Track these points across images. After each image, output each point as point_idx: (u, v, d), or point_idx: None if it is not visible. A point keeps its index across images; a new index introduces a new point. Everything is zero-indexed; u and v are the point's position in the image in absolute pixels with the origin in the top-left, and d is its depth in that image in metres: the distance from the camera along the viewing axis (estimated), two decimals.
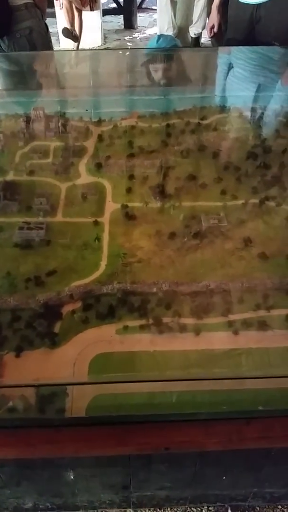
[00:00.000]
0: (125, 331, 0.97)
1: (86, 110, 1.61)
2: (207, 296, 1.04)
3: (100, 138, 1.50)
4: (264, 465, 1.14)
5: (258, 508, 1.29)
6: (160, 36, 2.08)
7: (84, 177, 1.37)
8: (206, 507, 1.28)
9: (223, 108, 1.65)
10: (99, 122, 1.58)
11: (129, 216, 1.25)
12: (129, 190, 1.32)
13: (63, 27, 4.04)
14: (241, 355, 0.94)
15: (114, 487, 1.10)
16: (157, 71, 1.84)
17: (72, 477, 1.01)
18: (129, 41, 4.93)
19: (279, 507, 1.29)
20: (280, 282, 1.07)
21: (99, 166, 1.40)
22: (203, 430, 0.86)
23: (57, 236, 1.18)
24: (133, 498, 1.16)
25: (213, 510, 1.27)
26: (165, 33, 4.48)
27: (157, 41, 2.01)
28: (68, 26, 4.04)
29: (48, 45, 2.04)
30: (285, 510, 1.29)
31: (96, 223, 1.23)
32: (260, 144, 1.45)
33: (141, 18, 5.58)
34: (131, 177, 1.37)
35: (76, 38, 4.09)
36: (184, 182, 1.35)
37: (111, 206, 1.28)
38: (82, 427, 0.84)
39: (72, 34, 3.99)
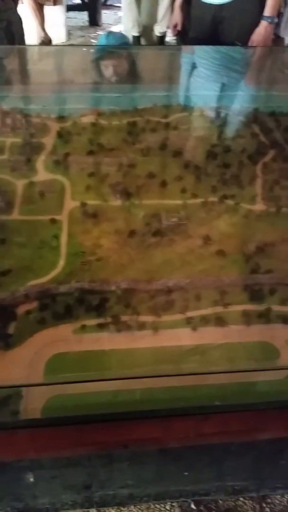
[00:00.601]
0: (82, 331, 0.96)
1: (44, 106, 1.58)
2: (166, 294, 1.04)
3: (59, 134, 1.48)
4: (225, 459, 1.15)
5: (220, 501, 1.31)
6: (109, 33, 2.07)
7: (41, 174, 1.34)
8: (169, 503, 1.28)
9: (184, 107, 1.66)
10: (58, 119, 1.56)
11: (88, 214, 1.23)
12: (88, 188, 1.31)
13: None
14: (199, 351, 0.94)
15: (75, 488, 1.09)
16: (117, 69, 1.83)
17: (31, 479, 0.99)
18: (93, 38, 4.88)
19: (241, 499, 1.31)
20: (237, 279, 1.08)
21: (57, 163, 1.38)
22: (161, 427, 0.86)
23: (13, 234, 1.15)
24: (95, 498, 1.15)
25: (176, 506, 1.28)
26: (130, 31, 4.47)
27: (107, 38, 2.00)
28: (41, 31, 3.88)
29: (23, 38, 2.00)
30: (247, 501, 1.31)
31: (54, 221, 1.21)
32: (220, 143, 1.47)
33: (106, 15, 5.54)
34: (91, 174, 1.35)
35: (50, 42, 4.00)
36: (144, 180, 1.34)
37: (70, 204, 1.26)
38: (38, 428, 0.82)
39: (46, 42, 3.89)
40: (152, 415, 0.86)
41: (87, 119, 1.56)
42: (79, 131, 1.51)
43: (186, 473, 1.18)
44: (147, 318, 0.99)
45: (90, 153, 1.42)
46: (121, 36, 2.18)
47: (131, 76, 1.86)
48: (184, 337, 0.97)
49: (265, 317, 1.01)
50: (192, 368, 0.92)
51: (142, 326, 0.98)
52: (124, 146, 1.45)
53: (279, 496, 1.32)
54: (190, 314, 1.01)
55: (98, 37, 4.84)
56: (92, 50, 2.22)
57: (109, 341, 0.95)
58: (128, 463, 1.01)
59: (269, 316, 1.01)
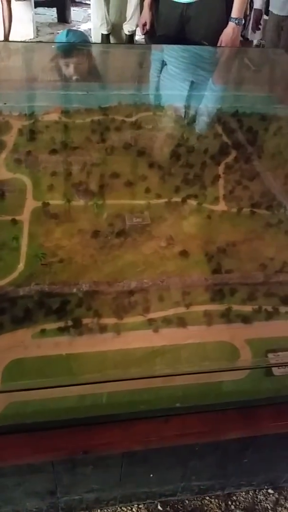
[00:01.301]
0: (42, 335, 0.94)
1: (5, 103, 1.53)
2: (128, 295, 1.03)
3: (20, 132, 1.44)
4: (190, 459, 1.16)
5: (187, 501, 1.31)
6: (69, 31, 2.04)
7: (2, 173, 1.31)
8: (136, 505, 1.27)
9: (150, 106, 1.66)
10: (20, 116, 1.52)
11: (50, 214, 1.21)
12: (51, 188, 1.28)
13: None
14: (160, 352, 0.94)
15: (40, 494, 1.07)
16: (78, 67, 1.80)
17: None
18: (88, 35, 4.81)
19: (207, 498, 1.32)
20: (199, 279, 1.08)
21: (18, 161, 1.34)
22: (121, 431, 0.85)
23: None
24: (61, 504, 1.13)
25: (143, 508, 1.27)
26: (99, 29, 4.43)
27: (67, 36, 1.97)
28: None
29: None
30: (213, 500, 1.32)
31: (15, 221, 1.18)
32: (184, 143, 1.47)
33: (75, 12, 5.47)
34: (54, 174, 1.33)
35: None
36: (108, 180, 1.33)
37: (31, 204, 1.23)
38: None
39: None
40: (113, 419, 0.85)
41: (51, 117, 1.53)
42: (42, 129, 1.48)
43: (152, 475, 1.17)
44: (109, 321, 0.98)
45: (53, 151, 1.39)
46: (81, 34, 2.15)
47: (94, 74, 1.83)
48: (146, 339, 0.96)
49: (225, 317, 1.01)
50: (153, 371, 0.91)
51: (103, 329, 0.96)
52: (88, 145, 1.43)
53: (243, 493, 1.34)
54: (152, 315, 1.00)
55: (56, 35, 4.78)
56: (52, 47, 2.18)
57: (70, 345, 0.93)
58: (92, 467, 1.00)
59: (230, 316, 1.01)
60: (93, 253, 1.13)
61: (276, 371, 0.92)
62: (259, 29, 2.53)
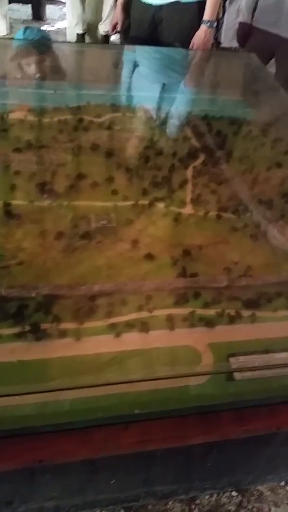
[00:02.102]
0: None
1: None
2: (90, 299, 1.01)
3: None
4: (152, 464, 1.15)
5: (150, 506, 1.30)
6: (26, 28, 2.00)
7: None
8: (98, 511, 1.25)
9: (119, 107, 1.64)
10: None
11: (11, 215, 1.17)
12: (13, 187, 1.25)
13: None
14: (121, 358, 0.92)
15: None
16: (40, 65, 1.77)
17: None
18: (48, 33, 4.74)
19: (170, 502, 1.31)
20: (163, 283, 1.07)
21: None
22: (78, 439, 0.83)
23: None
24: None
25: None
26: (74, 28, 4.39)
27: (24, 33, 1.93)
28: None
29: None
30: (176, 504, 1.32)
31: None
32: (153, 146, 1.46)
33: (50, 10, 5.40)
34: (17, 173, 1.29)
35: None
36: (74, 181, 1.31)
37: None
38: None
39: None
40: (70, 427, 0.83)
41: (16, 116, 1.49)
42: (6, 127, 1.44)
43: (113, 481, 1.15)
44: (69, 326, 0.95)
45: (17, 150, 1.35)
46: (38, 31, 2.11)
47: (62, 73, 1.80)
48: (106, 345, 0.94)
49: (189, 321, 1.00)
50: (113, 377, 0.89)
51: (63, 334, 0.94)
52: (54, 144, 1.40)
53: (207, 496, 1.34)
54: (114, 320, 0.98)
55: (58, 33, 4.72)
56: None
57: (27, 351, 0.90)
58: (51, 475, 0.97)
59: (193, 320, 1.01)
60: (56, 255, 1.11)
61: (237, 375, 0.92)
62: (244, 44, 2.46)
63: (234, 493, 1.40)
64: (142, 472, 1.16)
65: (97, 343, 0.94)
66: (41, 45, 1.86)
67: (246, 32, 2.35)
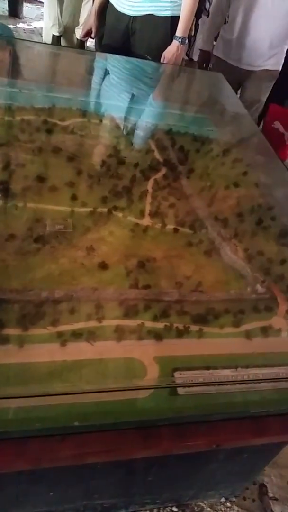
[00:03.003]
0: None
1: None
2: (37, 306, 0.98)
3: None
4: (92, 477, 1.12)
5: None
6: None
7: None
8: None
9: (85, 113, 1.63)
10: None
11: None
12: None
13: None
14: (64, 368, 0.90)
15: None
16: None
17: None
18: (12, 30, 4.66)
19: None
20: (114, 293, 1.06)
21: None
22: (13, 449, 0.80)
23: None
24: None
25: None
26: (50, 30, 4.36)
27: None
28: None
29: None
30: None
31: None
32: (116, 155, 1.46)
33: (28, 9, 5.34)
34: None
35: None
36: (32, 182, 1.28)
37: None
38: None
39: None
40: (6, 437, 0.79)
41: None
42: None
43: (52, 493, 1.12)
44: (12, 331, 0.92)
45: None
46: (1, 25, 2.07)
47: (27, 73, 1.77)
48: (50, 353, 0.91)
49: (137, 333, 1.00)
50: (54, 387, 0.87)
51: (5, 340, 0.90)
52: (13, 143, 1.37)
53: (147, 511, 1.33)
54: (60, 328, 0.96)
55: (33, 32, 4.64)
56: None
57: None
58: None
59: (141, 332, 1.00)
60: (6, 257, 1.07)
61: (180, 390, 0.92)
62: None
63: (174, 509, 1.40)
64: (82, 484, 1.14)
65: (41, 351, 0.91)
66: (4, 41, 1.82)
67: (206, 59, 2.44)
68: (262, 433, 0.93)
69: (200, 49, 2.48)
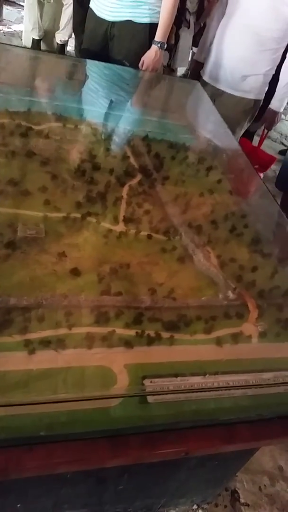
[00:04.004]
0: None
1: None
2: (5, 312, 0.96)
3: None
4: (61, 487, 1.11)
5: None
6: None
7: None
8: None
9: (60, 117, 1.61)
10: None
11: None
12: None
13: None
14: (31, 376, 0.88)
15: None
16: None
17: None
18: None
19: None
20: (86, 299, 1.05)
21: None
22: None
23: None
24: None
25: None
26: (30, 33, 4.33)
27: None
28: None
29: None
30: None
31: None
32: (91, 160, 1.45)
33: (8, 11, 5.31)
34: None
35: None
36: (4, 187, 1.25)
37: None
38: None
39: None
40: None
41: None
42: None
43: (19, 505, 1.10)
44: None
45: None
46: None
47: (3, 76, 1.75)
48: (17, 362, 0.90)
49: (108, 340, 0.99)
50: (22, 396, 0.85)
51: None
52: None
53: None
54: (29, 336, 0.94)
55: (13, 35, 4.59)
56: None
57: None
58: None
59: (112, 340, 0.99)
60: None
61: (150, 398, 0.92)
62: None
63: None
64: (51, 495, 1.12)
65: (7, 360, 0.89)
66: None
67: (197, 69, 2.43)
68: (232, 440, 0.93)
69: (194, 59, 2.47)
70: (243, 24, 2.10)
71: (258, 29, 2.06)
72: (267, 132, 2.48)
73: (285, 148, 4.23)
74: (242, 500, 1.49)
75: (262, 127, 2.45)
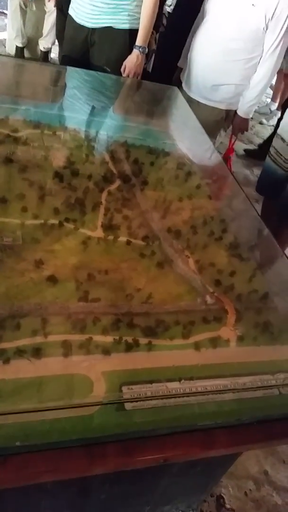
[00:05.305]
0: None
1: None
2: None
3: None
4: (42, 498, 1.09)
5: None
6: None
7: None
8: None
9: (39, 124, 1.61)
10: None
11: None
12: None
13: None
14: (6, 386, 0.87)
15: None
16: None
17: None
18: None
19: None
20: (62, 307, 1.04)
21: None
22: None
23: None
24: None
25: None
26: (13, 41, 4.33)
27: None
28: None
29: None
30: None
31: None
32: (69, 166, 1.45)
33: None
34: None
35: None
36: None
37: None
38: None
39: None
40: None
41: None
42: None
43: None
44: None
45: None
46: None
47: None
48: None
49: (85, 347, 0.98)
50: None
51: None
52: None
53: None
54: (3, 345, 0.93)
55: None
56: None
57: None
58: None
59: (89, 347, 0.98)
60: None
61: (128, 405, 0.91)
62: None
63: None
64: (31, 506, 1.10)
65: None
66: None
67: (179, 76, 2.43)
68: (211, 446, 0.93)
69: (178, 65, 2.47)
70: (213, 34, 2.11)
71: (225, 39, 2.07)
72: (236, 139, 2.47)
73: (252, 148, 4.24)
74: (227, 506, 1.48)
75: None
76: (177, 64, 2.44)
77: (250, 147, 4.28)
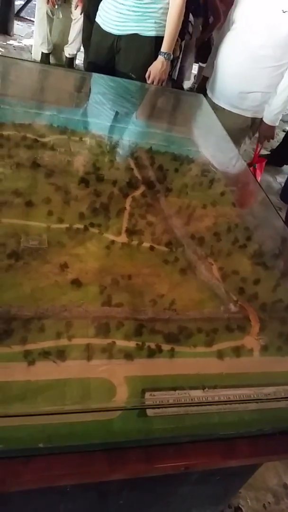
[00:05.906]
0: None
1: None
2: (5, 322, 0.97)
3: None
4: (61, 501, 1.09)
5: None
6: None
7: None
8: None
9: (66, 130, 1.63)
10: None
11: None
12: None
13: None
14: (31, 388, 0.88)
15: None
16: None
17: None
18: (1, 47, 4.72)
19: None
20: (87, 311, 1.05)
21: None
22: None
23: None
24: None
25: None
26: (40, 47, 4.42)
27: None
28: None
29: None
30: None
31: None
32: (95, 172, 1.46)
33: (19, 27, 5.42)
34: None
35: None
36: (8, 197, 1.27)
37: None
38: None
39: None
40: None
41: None
42: None
43: None
44: None
45: None
46: None
47: (8, 89, 1.79)
48: (17, 372, 0.89)
49: (108, 352, 0.98)
50: (20, 408, 0.85)
51: None
52: None
53: None
54: (28, 346, 0.94)
55: (23, 50, 4.69)
56: None
57: None
58: None
59: (112, 351, 0.99)
60: None
61: (150, 411, 0.91)
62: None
63: None
64: (51, 509, 1.11)
65: (7, 370, 0.89)
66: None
67: (204, 84, 2.43)
68: (232, 456, 0.92)
69: (203, 76, 2.48)
70: (241, 41, 2.11)
71: (254, 46, 2.06)
72: (261, 147, 2.45)
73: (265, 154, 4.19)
74: None
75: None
76: (202, 73, 2.44)
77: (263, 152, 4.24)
